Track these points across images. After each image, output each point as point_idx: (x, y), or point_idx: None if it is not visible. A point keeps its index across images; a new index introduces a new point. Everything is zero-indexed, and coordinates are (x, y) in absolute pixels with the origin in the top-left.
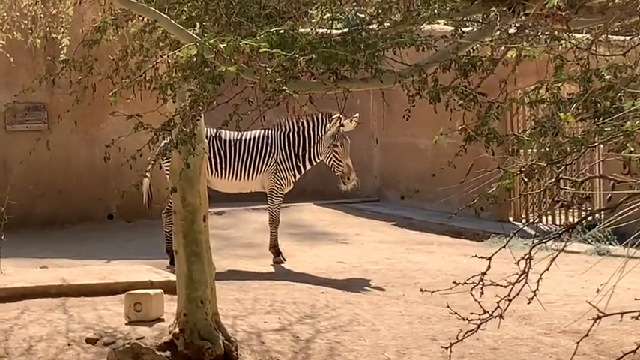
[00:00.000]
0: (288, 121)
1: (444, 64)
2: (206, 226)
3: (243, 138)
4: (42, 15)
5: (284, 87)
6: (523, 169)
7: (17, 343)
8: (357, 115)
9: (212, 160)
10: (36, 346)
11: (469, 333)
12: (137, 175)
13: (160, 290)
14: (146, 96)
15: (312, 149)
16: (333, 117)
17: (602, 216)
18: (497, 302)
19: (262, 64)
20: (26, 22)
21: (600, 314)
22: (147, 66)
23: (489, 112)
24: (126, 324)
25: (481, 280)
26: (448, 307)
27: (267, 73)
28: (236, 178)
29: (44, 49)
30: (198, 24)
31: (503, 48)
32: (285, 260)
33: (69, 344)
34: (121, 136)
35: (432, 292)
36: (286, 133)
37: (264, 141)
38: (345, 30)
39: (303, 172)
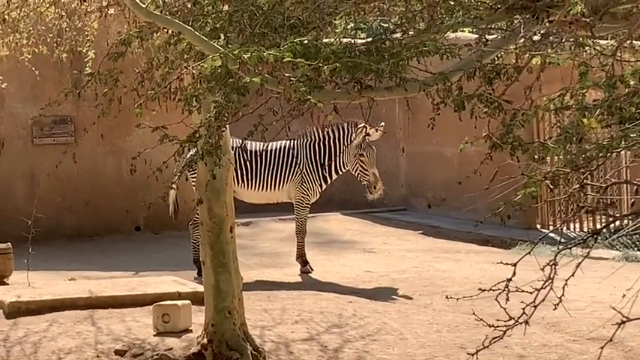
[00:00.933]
0: (313, 131)
1: (468, 72)
2: (233, 237)
3: (269, 148)
4: (67, 28)
5: (308, 97)
6: (547, 176)
7: (46, 356)
8: (383, 124)
9: (238, 170)
10: (65, 358)
11: (495, 340)
12: (164, 187)
13: (187, 301)
14: (172, 108)
15: (337, 158)
16: (359, 126)
17: (630, 222)
18: (523, 309)
19: (286, 75)
20: (52, 35)
21: (624, 319)
22: (172, 78)
23: (514, 120)
24: (154, 335)
25: (506, 286)
26: (474, 314)
27: (291, 83)
28: (262, 189)
29: (70, 63)
30: (222, 35)
31: (527, 55)
32: (312, 270)
33: (97, 356)
34: (147, 148)
35: (457, 300)
36: (312, 142)
37: (291, 151)
38: (369, 39)
39: (329, 181)
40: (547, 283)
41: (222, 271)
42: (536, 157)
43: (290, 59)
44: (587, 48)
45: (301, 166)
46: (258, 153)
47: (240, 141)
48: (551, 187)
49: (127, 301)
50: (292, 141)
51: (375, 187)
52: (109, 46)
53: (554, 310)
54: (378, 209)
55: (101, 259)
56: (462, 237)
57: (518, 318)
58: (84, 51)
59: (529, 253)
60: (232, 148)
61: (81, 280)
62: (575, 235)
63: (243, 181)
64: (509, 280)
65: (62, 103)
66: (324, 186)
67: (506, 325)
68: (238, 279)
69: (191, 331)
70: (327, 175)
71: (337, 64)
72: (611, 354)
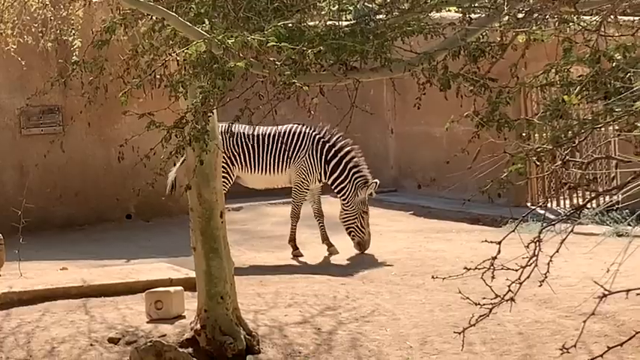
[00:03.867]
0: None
1: (453, 51)
2: (223, 222)
3: (272, 132)
4: (52, 18)
5: (294, 80)
6: (530, 153)
7: (40, 345)
8: (377, 181)
9: (242, 155)
10: (59, 347)
11: (481, 318)
12: (153, 174)
13: (180, 288)
14: (159, 94)
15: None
16: (369, 183)
17: (620, 197)
18: (509, 286)
19: (271, 58)
20: (37, 25)
21: (606, 292)
22: (157, 64)
23: (500, 98)
24: (147, 322)
25: (492, 264)
26: (460, 292)
27: (276, 67)
28: (265, 172)
29: (56, 52)
30: (206, 20)
31: (511, 33)
32: (302, 255)
33: (91, 345)
34: (134, 135)
35: (443, 279)
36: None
37: (297, 135)
38: (353, 21)
39: (327, 178)
40: (532, 260)
41: (213, 257)
42: (523, 134)
43: (274, 43)
44: (571, 24)
45: (305, 152)
46: (262, 137)
47: (244, 126)
48: (538, 164)
49: (119, 288)
50: (301, 126)
51: (366, 246)
52: (93, 34)
53: (539, 286)
54: None
55: (92, 247)
56: (453, 216)
57: (504, 295)
58: (69, 40)
59: (514, 231)
60: (236, 134)
61: (73, 269)
62: (564, 211)
63: (246, 165)
64: (495, 258)
65: (49, 92)
66: (323, 179)
67: (492, 303)
68: (230, 264)
69: (184, 317)
70: (327, 171)
71: (322, 47)
72: (603, 328)
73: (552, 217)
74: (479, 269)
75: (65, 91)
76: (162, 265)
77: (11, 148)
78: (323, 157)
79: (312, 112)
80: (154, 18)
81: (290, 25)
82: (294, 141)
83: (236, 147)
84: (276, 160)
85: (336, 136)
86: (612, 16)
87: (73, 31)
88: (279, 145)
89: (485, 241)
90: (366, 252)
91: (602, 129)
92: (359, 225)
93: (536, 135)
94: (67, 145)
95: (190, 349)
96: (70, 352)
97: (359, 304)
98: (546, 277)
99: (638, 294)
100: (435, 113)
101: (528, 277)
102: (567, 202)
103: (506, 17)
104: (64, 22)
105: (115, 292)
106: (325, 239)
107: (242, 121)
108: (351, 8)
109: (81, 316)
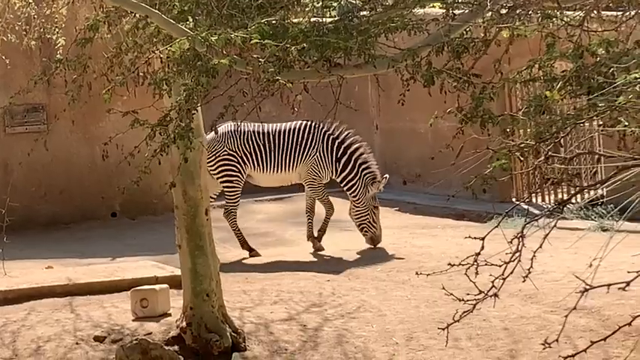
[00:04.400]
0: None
1: (436, 47)
2: (209, 220)
3: (282, 129)
4: (36, 16)
5: (277, 77)
6: (512, 149)
7: (25, 344)
8: (387, 176)
9: (252, 154)
10: (44, 346)
11: (465, 313)
12: (138, 172)
13: (165, 285)
14: (143, 92)
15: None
16: (377, 179)
17: (604, 192)
18: (492, 282)
19: (255, 55)
20: (20, 23)
21: (587, 287)
22: (140, 62)
23: (483, 93)
24: (133, 320)
25: (475, 260)
26: (444, 288)
27: (259, 64)
28: (276, 171)
29: (40, 50)
30: (190, 18)
31: (495, 28)
32: (323, 249)
33: (77, 343)
34: (119, 133)
35: (427, 275)
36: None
37: (306, 131)
38: (337, 17)
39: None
40: (515, 256)
41: (198, 254)
42: (508, 130)
43: (257, 40)
44: (554, 19)
45: (315, 150)
46: (272, 135)
47: (254, 124)
48: (521, 159)
49: (105, 287)
50: (310, 122)
51: (378, 241)
52: (77, 32)
53: (523, 282)
54: None
55: (78, 246)
56: (438, 212)
57: (488, 291)
58: (53, 38)
59: (497, 226)
60: (246, 132)
61: (58, 267)
62: (548, 206)
63: (259, 164)
64: (478, 254)
65: (34, 91)
66: (333, 176)
67: (476, 299)
68: (215, 261)
69: (170, 315)
70: (338, 169)
71: (305, 44)
72: (588, 323)
73: (537, 212)
74: (462, 265)
75: (49, 89)
76: (147, 263)
77: None
78: (334, 154)
79: (295, 108)
80: (137, 15)
81: (273, 22)
82: (304, 138)
83: (247, 146)
84: (288, 158)
85: (345, 133)
86: (595, 11)
87: (57, 30)
88: (290, 142)
89: (469, 237)
90: (352, 243)
91: (586, 124)
92: (371, 221)
93: (520, 131)
94: (52, 144)
95: (176, 347)
96: (55, 351)
97: (345, 301)
98: (530, 273)
99: (619, 288)
100: (420, 109)
101: (512, 273)
102: (552, 197)
103: (490, 13)
104: (48, 21)
105: (101, 290)
106: (310, 236)
107: (226, 118)
108: (335, 5)
109: (66, 315)
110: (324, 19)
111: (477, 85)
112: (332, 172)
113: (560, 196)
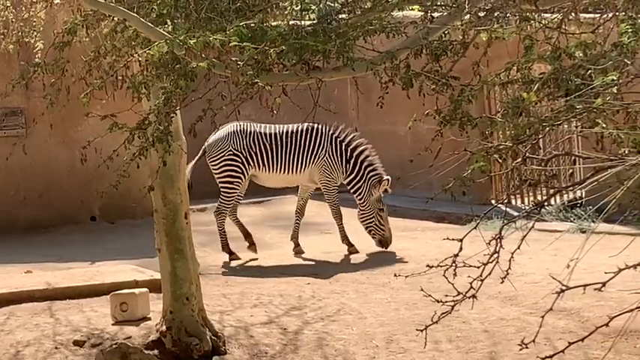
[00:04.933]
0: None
1: (415, 49)
2: (188, 223)
3: (288, 130)
4: (14, 19)
5: (256, 80)
6: (490, 151)
7: (4, 349)
8: (389, 178)
9: (258, 154)
10: (23, 351)
11: (443, 315)
12: (117, 176)
13: (145, 289)
14: (122, 96)
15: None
16: (383, 178)
17: (584, 194)
18: (470, 283)
19: (234, 58)
20: None
21: (564, 288)
22: (119, 65)
23: (462, 96)
24: (113, 324)
25: (454, 262)
26: (422, 290)
27: (238, 67)
28: (283, 172)
29: (18, 54)
30: (168, 21)
31: (473, 31)
32: (357, 251)
33: (56, 348)
34: (97, 137)
35: (406, 277)
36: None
37: (314, 133)
38: (316, 20)
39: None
40: (493, 257)
41: (178, 258)
42: (486, 132)
43: (236, 43)
44: (532, 22)
45: (324, 152)
46: (279, 136)
47: (259, 125)
48: (500, 161)
49: (84, 291)
50: (316, 124)
51: (388, 243)
52: (55, 35)
53: (501, 283)
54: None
55: (57, 250)
56: (418, 215)
57: (466, 292)
58: (31, 42)
59: (475, 228)
60: (252, 132)
61: (37, 272)
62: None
63: (264, 164)
64: (456, 255)
65: (12, 95)
66: (343, 176)
67: (454, 300)
68: (195, 265)
69: (150, 318)
70: (347, 171)
71: (284, 46)
72: (568, 325)
73: (515, 214)
74: (441, 267)
75: (28, 93)
76: (127, 266)
77: None
78: (343, 156)
79: (275, 111)
80: (115, 19)
81: (252, 25)
82: (312, 140)
83: (252, 146)
84: (295, 160)
85: (351, 135)
86: (573, 14)
87: (35, 33)
88: (297, 144)
89: (447, 238)
90: (332, 246)
91: (566, 126)
92: (377, 223)
93: (499, 133)
94: (31, 147)
95: (156, 351)
96: (35, 356)
97: (325, 304)
98: (508, 274)
99: (596, 289)
100: (399, 112)
101: (490, 274)
102: (531, 199)
103: (468, 16)
104: (26, 24)
105: (80, 294)
106: (294, 237)
107: (205, 122)
108: (314, 7)
109: (46, 320)
110: (302, 22)
111: (456, 88)
112: (342, 173)
113: (539, 197)
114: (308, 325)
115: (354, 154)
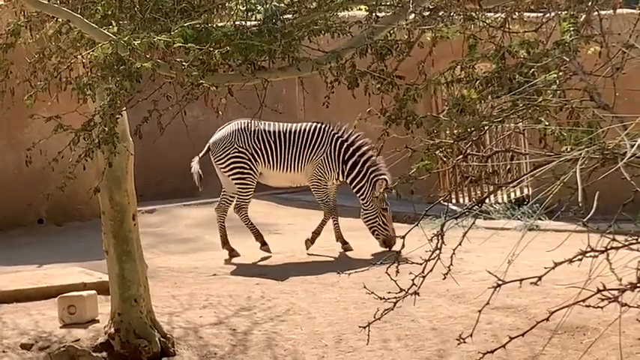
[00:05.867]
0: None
1: (360, 49)
2: (136, 225)
3: (292, 129)
4: None
5: (201, 81)
6: (431, 147)
7: None
8: (387, 178)
9: (263, 152)
10: None
11: (386, 312)
12: (63, 178)
13: (93, 292)
14: (67, 97)
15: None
16: (379, 178)
17: (531, 191)
18: (412, 280)
19: (179, 59)
20: None
21: (500, 282)
22: (63, 67)
23: (407, 95)
24: (61, 327)
25: (396, 259)
26: (365, 287)
27: (183, 68)
28: (285, 170)
29: None
30: (113, 22)
31: (418, 30)
32: (352, 249)
33: (3, 351)
34: (42, 139)
35: (349, 275)
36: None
37: (315, 133)
38: (260, 21)
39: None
40: (434, 254)
41: (126, 260)
42: (432, 130)
43: (181, 44)
44: (476, 21)
45: (322, 151)
46: (282, 133)
47: (263, 123)
48: (444, 159)
49: (32, 294)
50: (320, 124)
51: (393, 243)
52: None
53: (443, 279)
54: (282, 190)
55: (4, 253)
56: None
57: (409, 289)
58: None
59: (416, 225)
60: (256, 130)
61: None
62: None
63: (268, 161)
64: (399, 252)
65: None
66: (341, 178)
67: (396, 297)
68: (143, 267)
69: (98, 321)
70: (345, 170)
71: (229, 47)
72: (515, 322)
73: (446, 211)
74: (384, 264)
75: None
76: (75, 269)
77: None
78: (341, 156)
79: (220, 112)
80: (60, 20)
81: (197, 25)
82: (313, 139)
83: (258, 143)
84: (296, 158)
85: (355, 135)
86: (516, 13)
87: None
88: (299, 143)
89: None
90: (281, 245)
91: (512, 124)
92: (380, 223)
93: (447, 131)
94: None
95: (105, 354)
96: None
97: (274, 304)
98: (450, 270)
99: (532, 283)
100: (346, 111)
101: (433, 271)
102: (478, 196)
103: (413, 15)
104: None
105: (28, 297)
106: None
107: (151, 123)
108: (260, 8)
109: None
110: (247, 23)
111: (401, 87)
112: (338, 174)
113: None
114: (257, 326)
115: (357, 154)
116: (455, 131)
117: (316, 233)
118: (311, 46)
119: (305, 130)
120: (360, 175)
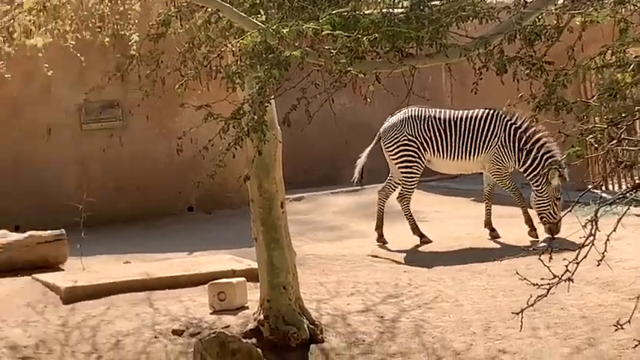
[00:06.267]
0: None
1: (508, 34)
2: (284, 212)
3: (464, 116)
4: (109, 13)
5: (349, 68)
6: (584, 133)
7: (105, 339)
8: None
9: (433, 140)
10: (123, 340)
11: (539, 298)
12: (213, 166)
13: (242, 279)
14: (217, 86)
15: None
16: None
17: None
18: (566, 266)
19: (327, 47)
20: (94, 21)
21: None
22: (213, 56)
23: (557, 81)
24: (211, 314)
25: (549, 245)
26: (517, 273)
27: (331, 55)
28: (456, 158)
29: (114, 47)
30: (261, 11)
31: (567, 15)
32: (499, 237)
33: (156, 337)
34: (192, 127)
35: (501, 261)
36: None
37: (486, 121)
38: (408, 8)
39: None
40: (588, 241)
41: (275, 247)
42: (582, 116)
43: (329, 32)
44: (627, 4)
45: (497, 139)
46: (454, 121)
47: (434, 110)
48: (595, 145)
49: (182, 281)
50: (492, 111)
51: (558, 231)
52: (150, 27)
53: (597, 266)
54: (430, 178)
55: (155, 241)
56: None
57: (562, 275)
58: (127, 34)
59: (569, 211)
60: (427, 117)
61: (136, 262)
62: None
63: (438, 150)
64: (552, 239)
65: (108, 87)
66: (516, 166)
67: (549, 284)
68: (291, 254)
69: (247, 307)
70: (521, 159)
71: (377, 34)
72: None
73: (600, 197)
74: (535, 250)
75: (124, 85)
76: (224, 256)
77: (71, 143)
78: (516, 144)
79: (368, 99)
80: (209, 10)
81: (344, 13)
82: (486, 127)
83: (427, 132)
84: (468, 147)
85: (528, 122)
86: None
87: (130, 26)
88: (471, 130)
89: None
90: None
91: None
92: (551, 211)
93: (596, 117)
94: (128, 139)
95: (254, 340)
96: (134, 345)
97: (421, 291)
98: (604, 258)
99: None
100: (494, 97)
101: (586, 259)
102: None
103: (562, 0)
104: (121, 17)
105: (178, 284)
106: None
107: (299, 111)
108: None
109: (145, 309)
110: (394, 10)
111: (550, 73)
112: (515, 161)
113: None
114: (405, 313)
115: (531, 141)
116: (606, 117)
117: (528, 223)
118: (459, 32)
119: (477, 117)
120: (535, 164)
